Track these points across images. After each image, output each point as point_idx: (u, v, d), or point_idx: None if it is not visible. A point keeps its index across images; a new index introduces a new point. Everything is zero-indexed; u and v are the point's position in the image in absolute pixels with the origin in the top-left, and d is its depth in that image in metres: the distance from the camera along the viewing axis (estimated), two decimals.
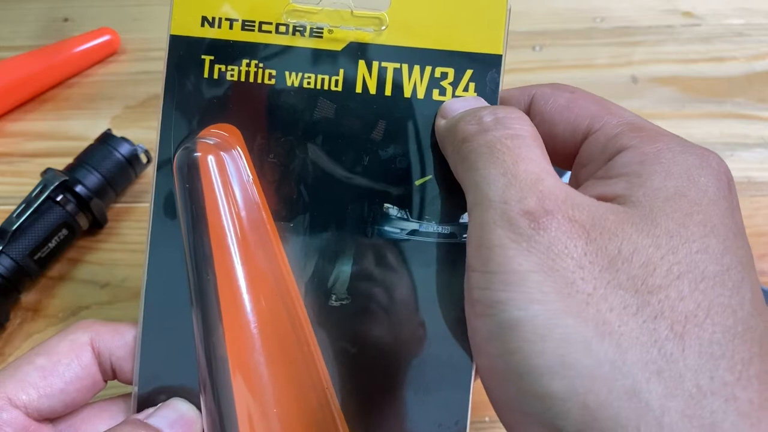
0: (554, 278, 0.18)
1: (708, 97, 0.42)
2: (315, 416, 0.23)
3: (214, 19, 0.24)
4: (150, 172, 0.39)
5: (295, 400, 0.23)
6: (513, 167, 0.19)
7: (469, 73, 0.23)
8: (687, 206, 0.19)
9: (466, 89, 0.23)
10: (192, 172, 0.23)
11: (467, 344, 0.21)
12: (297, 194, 0.23)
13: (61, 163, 0.37)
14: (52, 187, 0.34)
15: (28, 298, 0.35)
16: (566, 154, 0.22)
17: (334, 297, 0.23)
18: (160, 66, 0.49)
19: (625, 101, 0.42)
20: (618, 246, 0.18)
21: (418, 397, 0.22)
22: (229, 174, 0.24)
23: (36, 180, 0.35)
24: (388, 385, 0.22)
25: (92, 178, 0.36)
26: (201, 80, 0.24)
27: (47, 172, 0.35)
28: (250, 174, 0.24)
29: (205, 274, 0.23)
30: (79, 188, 0.35)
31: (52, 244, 0.35)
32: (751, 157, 0.39)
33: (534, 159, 0.20)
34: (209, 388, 0.23)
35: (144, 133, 0.42)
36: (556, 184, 0.19)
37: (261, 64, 0.24)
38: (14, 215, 0.34)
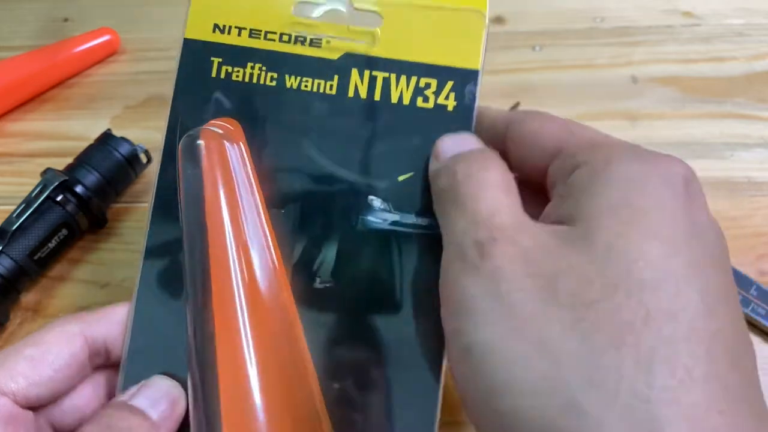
0: (499, 302, 0.19)
1: (708, 97, 0.42)
2: (295, 390, 0.24)
3: (224, 26, 0.27)
4: (150, 172, 0.39)
5: (277, 373, 0.24)
6: (473, 209, 0.21)
7: (450, 84, 0.26)
8: (628, 215, 0.19)
9: (446, 98, 0.26)
10: (194, 155, 0.26)
11: (437, 326, 0.22)
12: (290, 184, 0.26)
13: (60, 163, 0.37)
14: (52, 187, 0.34)
15: (28, 298, 0.35)
16: (540, 177, 0.23)
17: (318, 279, 0.25)
18: (160, 66, 0.49)
19: (625, 101, 0.42)
20: (556, 266, 0.19)
21: (392, 373, 0.24)
22: (229, 160, 0.26)
23: (36, 180, 0.35)
24: (365, 361, 0.24)
25: (92, 178, 0.36)
26: (209, 78, 0.26)
27: (47, 172, 0.35)
28: (248, 162, 0.26)
29: (200, 255, 0.25)
30: (79, 188, 0.35)
31: (52, 244, 0.35)
32: (751, 157, 0.39)
33: (493, 198, 0.21)
34: (195, 364, 0.24)
35: (144, 133, 0.42)
36: (511, 215, 0.21)
37: (264, 68, 0.26)
38: (14, 215, 0.34)
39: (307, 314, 0.25)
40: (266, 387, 0.24)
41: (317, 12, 0.27)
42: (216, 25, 0.27)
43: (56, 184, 0.35)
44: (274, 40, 0.26)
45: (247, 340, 0.25)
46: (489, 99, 0.41)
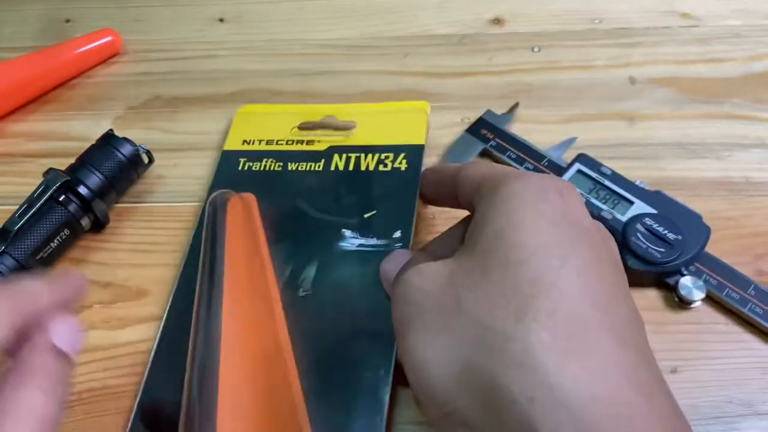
0: (411, 310, 0.25)
1: (706, 97, 0.42)
2: (274, 367, 0.30)
3: (250, 140, 0.40)
4: (152, 173, 0.40)
5: (264, 355, 0.31)
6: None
7: (402, 155, 0.37)
8: (503, 220, 0.24)
9: (400, 163, 0.37)
10: (218, 210, 0.36)
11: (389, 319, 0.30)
12: (287, 228, 0.35)
13: (63, 164, 0.37)
14: (54, 188, 0.35)
15: None
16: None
17: (301, 289, 0.33)
18: (161, 67, 0.49)
19: (623, 102, 0.43)
20: (449, 272, 0.25)
21: (353, 353, 0.31)
22: (241, 214, 0.36)
23: (38, 180, 0.35)
24: (332, 346, 0.31)
25: (94, 179, 0.36)
26: (236, 170, 0.38)
27: (49, 172, 0.36)
28: (258, 217, 0.36)
29: (214, 276, 0.33)
30: (81, 188, 0.35)
31: (54, 244, 0.35)
32: (749, 157, 0.39)
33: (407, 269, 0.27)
34: (197, 366, 0.30)
35: (145, 133, 0.42)
36: (415, 264, 0.27)
37: (274, 160, 0.38)
38: (16, 215, 0.34)
39: (293, 314, 0.32)
40: (256, 389, 0.30)
41: (314, 127, 0.40)
42: (244, 140, 0.40)
43: (58, 184, 0.35)
44: (282, 144, 0.39)
45: (245, 347, 0.31)
46: (489, 100, 0.42)
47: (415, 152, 0.37)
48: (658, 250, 0.33)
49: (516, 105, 0.42)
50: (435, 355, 0.23)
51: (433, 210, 0.37)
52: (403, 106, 0.40)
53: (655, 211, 0.35)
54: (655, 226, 0.34)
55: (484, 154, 0.40)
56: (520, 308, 0.22)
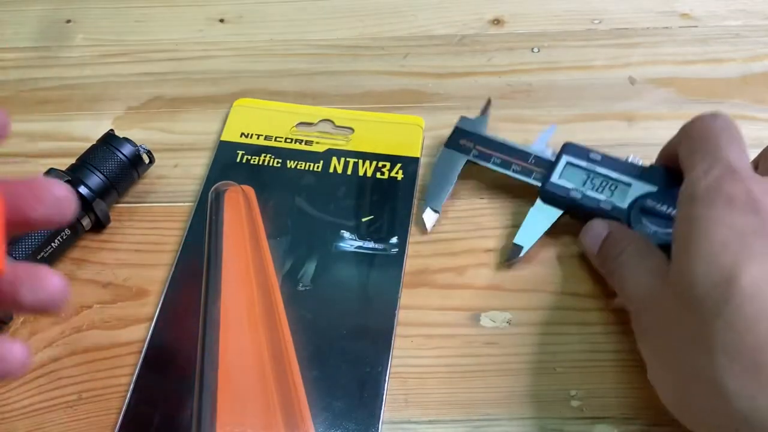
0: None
1: (705, 98, 0.42)
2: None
3: (248, 134, 0.41)
4: (152, 173, 0.40)
5: (265, 342, 0.33)
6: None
7: (398, 165, 0.39)
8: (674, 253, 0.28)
9: (397, 173, 0.39)
10: (220, 199, 0.38)
11: (388, 317, 0.33)
12: (286, 223, 0.37)
13: (63, 164, 0.37)
14: None
15: None
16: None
17: (301, 284, 0.34)
18: (161, 67, 0.49)
19: (623, 102, 0.43)
20: (663, 321, 0.28)
21: (352, 349, 0.32)
22: (242, 204, 0.38)
23: None
24: (331, 340, 0.32)
25: (95, 179, 0.36)
26: (234, 162, 0.39)
27: (50, 172, 0.36)
28: (257, 209, 0.37)
29: (215, 262, 0.35)
30: (81, 188, 0.35)
31: (55, 244, 0.35)
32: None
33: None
34: (200, 351, 0.32)
35: (146, 133, 0.42)
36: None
37: (272, 156, 0.40)
38: None
39: (292, 307, 0.34)
40: (256, 375, 0.31)
41: (312, 128, 0.41)
42: (242, 133, 0.41)
43: None
44: (280, 142, 0.40)
45: (244, 336, 0.33)
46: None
47: (411, 164, 0.39)
48: (666, 231, 0.32)
49: (488, 103, 0.41)
50: (659, 381, 0.27)
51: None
52: (399, 119, 0.41)
53: (654, 189, 0.34)
54: (657, 206, 0.33)
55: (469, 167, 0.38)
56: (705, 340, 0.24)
